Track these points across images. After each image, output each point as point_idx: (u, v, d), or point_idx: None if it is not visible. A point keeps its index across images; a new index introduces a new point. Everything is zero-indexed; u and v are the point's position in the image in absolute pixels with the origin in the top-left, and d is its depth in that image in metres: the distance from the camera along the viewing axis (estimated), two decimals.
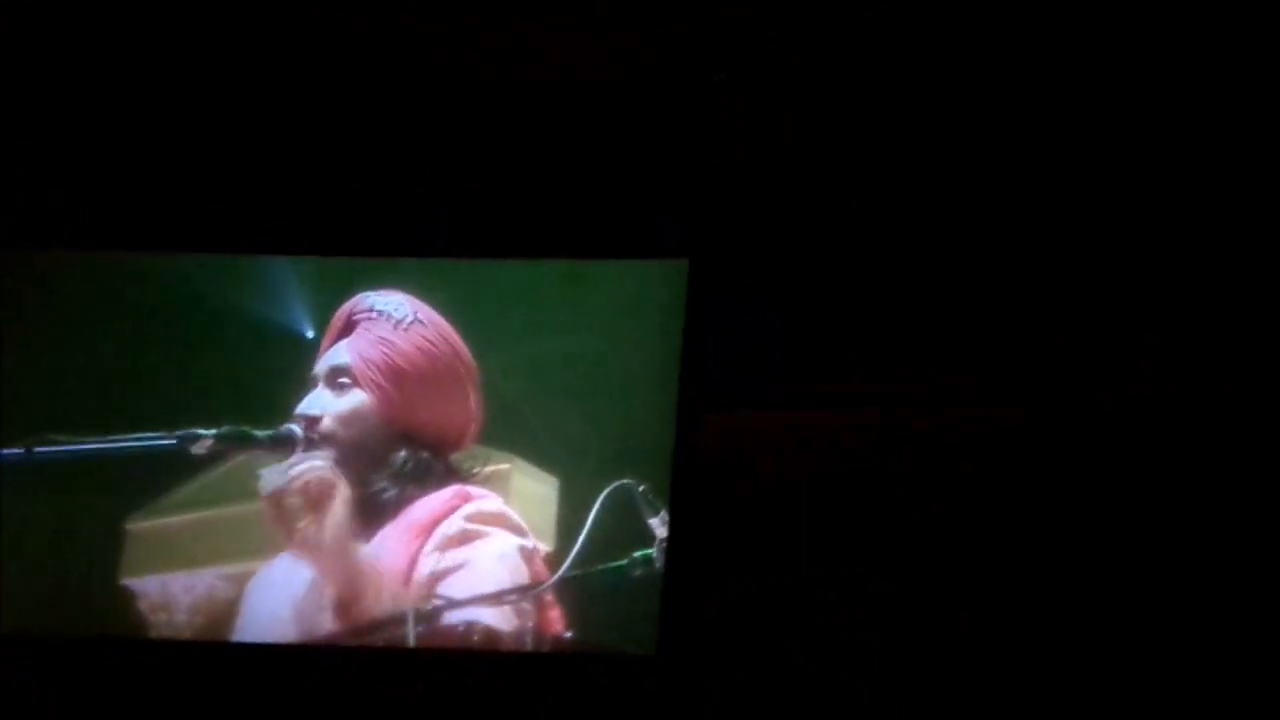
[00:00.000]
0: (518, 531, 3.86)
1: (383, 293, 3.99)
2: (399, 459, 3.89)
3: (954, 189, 4.04)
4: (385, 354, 3.93)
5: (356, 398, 3.92)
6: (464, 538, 3.84)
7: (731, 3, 4.03)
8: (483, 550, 3.83)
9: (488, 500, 3.89)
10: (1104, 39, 4.01)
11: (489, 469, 3.93)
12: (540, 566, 3.84)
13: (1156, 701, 3.70)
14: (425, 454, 3.90)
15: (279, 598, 3.90)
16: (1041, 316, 3.98)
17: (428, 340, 3.94)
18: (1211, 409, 3.82)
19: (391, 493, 3.89)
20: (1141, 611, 3.76)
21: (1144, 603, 3.77)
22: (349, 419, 3.91)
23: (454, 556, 3.82)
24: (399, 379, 3.92)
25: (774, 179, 4.10)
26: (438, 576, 3.81)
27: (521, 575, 3.84)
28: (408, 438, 3.91)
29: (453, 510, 3.87)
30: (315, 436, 3.92)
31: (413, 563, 3.82)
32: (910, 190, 4.09)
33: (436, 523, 3.85)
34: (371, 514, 3.89)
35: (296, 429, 3.93)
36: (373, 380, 3.92)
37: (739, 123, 4.09)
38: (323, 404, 3.93)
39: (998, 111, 4.03)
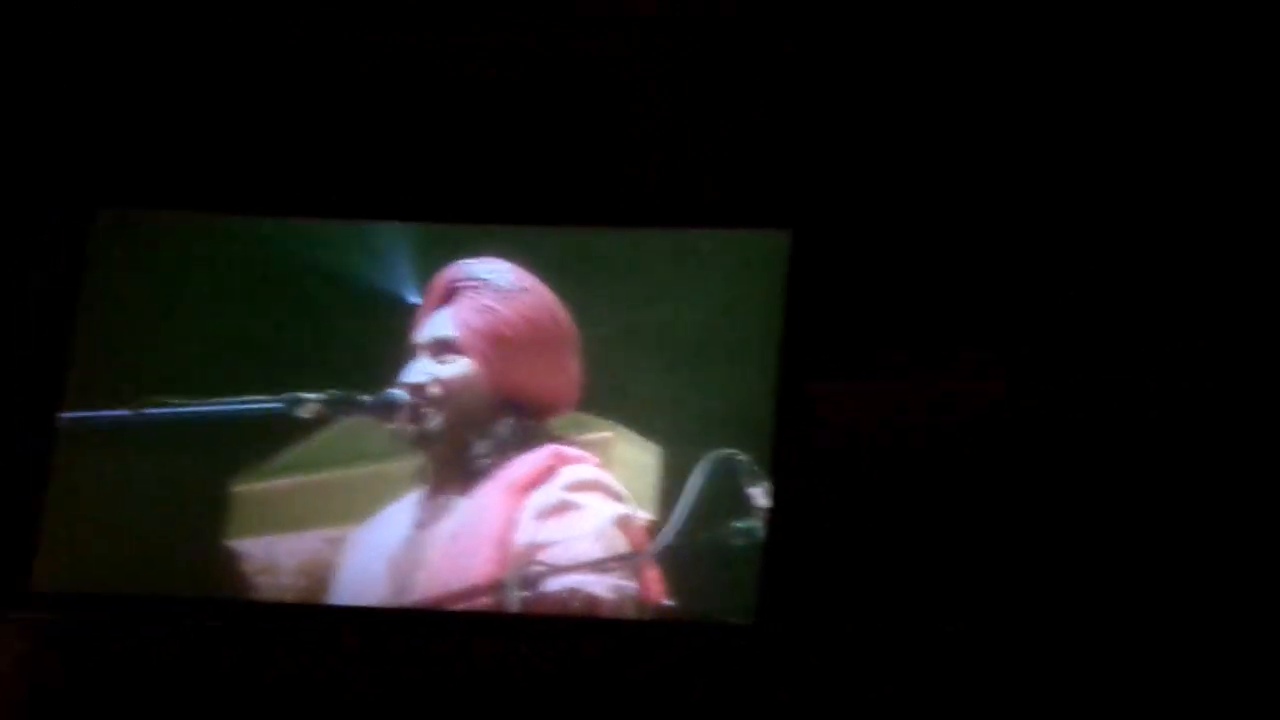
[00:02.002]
0: (616, 499, 3.86)
1: (485, 260, 4.00)
2: (504, 426, 3.91)
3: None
4: (490, 322, 3.94)
5: (462, 365, 3.94)
6: (562, 508, 3.85)
7: None
8: (581, 524, 3.84)
9: (584, 466, 3.89)
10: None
11: (592, 436, 3.93)
12: (639, 534, 3.84)
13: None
14: (530, 422, 3.91)
15: (376, 556, 3.93)
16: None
17: (531, 308, 3.95)
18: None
19: (488, 460, 3.90)
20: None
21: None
22: (455, 386, 3.93)
23: (552, 529, 3.83)
24: (504, 347, 3.93)
25: (876, 151, 4.07)
26: (536, 547, 3.82)
27: (620, 546, 3.83)
28: (512, 404, 3.92)
29: (549, 473, 3.88)
30: (420, 402, 3.94)
31: (510, 526, 3.84)
32: (1010, 164, 4.06)
33: (534, 484, 3.87)
34: (471, 478, 3.91)
35: (401, 394, 3.95)
36: (478, 348, 3.93)
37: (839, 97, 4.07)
38: (428, 371, 3.95)
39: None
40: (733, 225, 4.06)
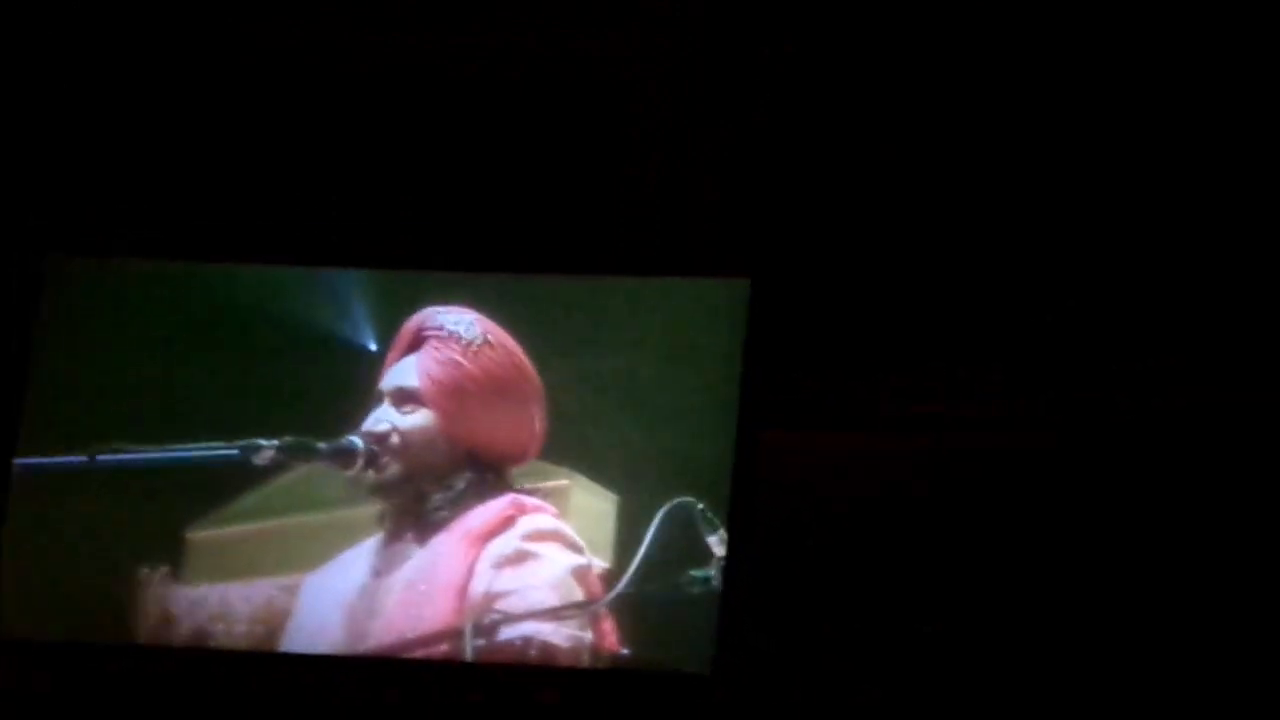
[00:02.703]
0: (573, 549, 3.86)
1: (453, 310, 4.00)
2: (462, 480, 3.90)
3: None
4: (453, 376, 3.94)
5: (424, 417, 3.93)
6: (519, 557, 3.84)
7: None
8: (538, 574, 3.83)
9: (542, 516, 3.88)
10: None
11: (549, 484, 3.93)
12: (596, 583, 3.83)
13: None
14: (489, 475, 3.91)
15: (331, 603, 3.91)
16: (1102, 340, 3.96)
17: (496, 364, 3.95)
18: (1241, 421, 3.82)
19: (444, 513, 3.90)
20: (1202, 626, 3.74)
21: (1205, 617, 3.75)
22: (415, 438, 3.93)
23: (509, 578, 3.82)
24: (467, 402, 3.93)
25: (838, 200, 4.08)
26: (493, 596, 3.81)
27: (577, 596, 3.83)
28: (471, 457, 3.92)
29: (508, 522, 3.87)
30: (378, 450, 3.93)
31: (468, 574, 3.83)
32: (972, 212, 4.07)
33: (492, 534, 3.86)
34: (427, 529, 3.90)
35: (358, 440, 3.95)
36: (439, 402, 3.93)
37: (805, 139, 4.09)
38: (390, 420, 3.94)
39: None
40: (692, 273, 4.06)
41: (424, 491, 3.91)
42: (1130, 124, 3.99)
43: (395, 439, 3.93)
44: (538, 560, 3.84)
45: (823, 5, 4.07)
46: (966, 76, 4.06)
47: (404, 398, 3.95)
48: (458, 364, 3.95)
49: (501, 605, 3.81)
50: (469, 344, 3.96)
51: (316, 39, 4.17)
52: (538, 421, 3.94)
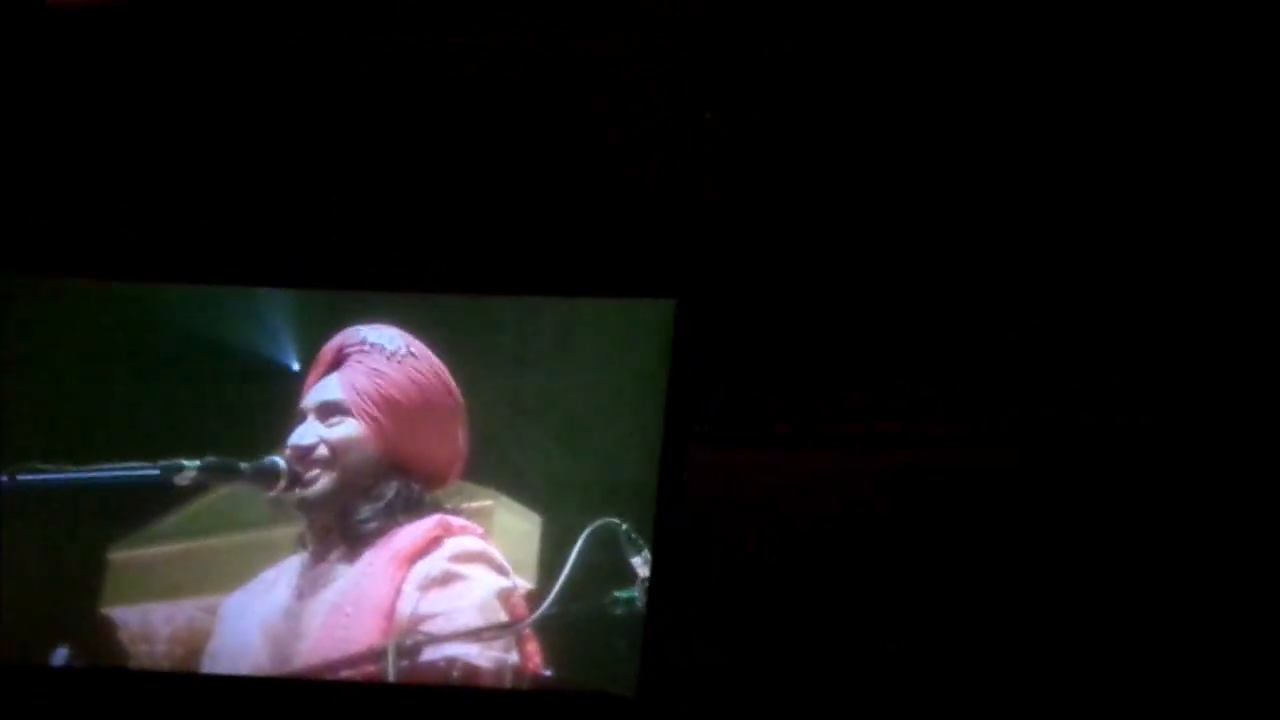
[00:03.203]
0: (499, 571, 3.85)
1: (374, 326, 3.99)
2: (389, 490, 3.89)
3: (951, 222, 4.05)
4: (379, 385, 3.93)
5: (350, 428, 3.92)
6: (445, 579, 3.83)
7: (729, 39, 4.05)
8: (465, 596, 3.82)
9: (469, 538, 3.88)
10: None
11: (473, 505, 3.92)
12: (521, 605, 3.83)
13: None
14: (416, 487, 3.90)
15: (253, 624, 3.90)
16: (1038, 354, 3.99)
17: (420, 373, 3.95)
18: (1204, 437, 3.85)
19: (377, 523, 3.88)
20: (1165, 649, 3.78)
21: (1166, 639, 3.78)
22: (343, 448, 3.91)
23: (435, 599, 3.81)
24: (393, 410, 3.92)
25: (761, 219, 4.10)
26: (419, 618, 3.80)
27: (502, 618, 3.82)
28: (398, 469, 3.91)
29: (434, 543, 3.86)
30: (302, 468, 3.91)
31: (395, 594, 3.82)
32: (903, 228, 4.09)
33: (419, 554, 3.85)
34: (354, 543, 3.89)
35: (280, 461, 3.93)
36: (367, 411, 3.92)
37: (727, 162, 4.09)
38: (316, 433, 3.93)
39: (999, 119, 4.05)
40: (617, 294, 4.06)
41: (351, 505, 3.89)
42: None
43: (323, 450, 3.92)
44: (464, 582, 3.83)
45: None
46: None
47: (329, 411, 3.94)
48: (381, 373, 3.94)
49: (427, 627, 3.80)
50: (392, 354, 3.96)
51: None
52: (461, 438, 3.94)
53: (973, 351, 3.99)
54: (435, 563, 3.84)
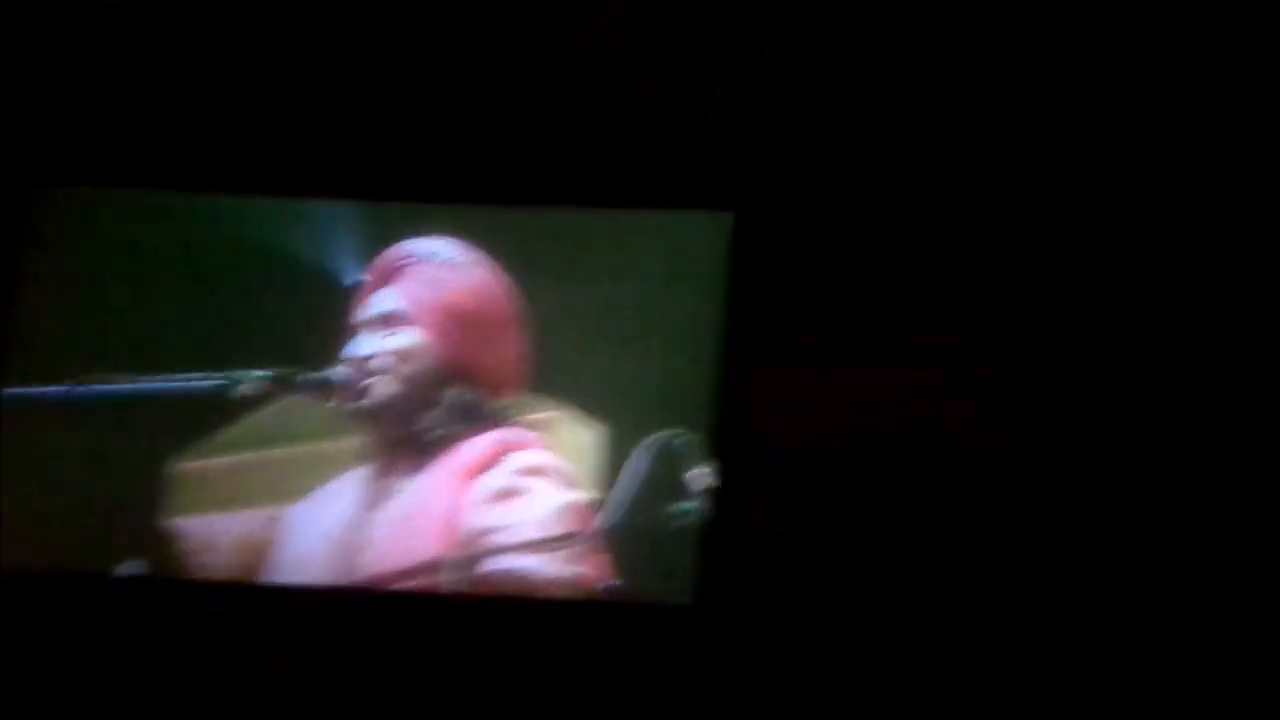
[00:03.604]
0: (564, 485, 3.87)
1: (430, 239, 4.00)
2: (449, 397, 3.90)
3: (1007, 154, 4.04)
4: (436, 294, 3.94)
5: (409, 336, 3.93)
6: (509, 493, 3.85)
7: None
8: (527, 509, 3.84)
9: (533, 452, 3.89)
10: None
11: (534, 416, 3.93)
12: (583, 518, 3.84)
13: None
14: (476, 395, 3.91)
15: (317, 536, 3.92)
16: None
17: (477, 282, 3.96)
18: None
19: (440, 432, 3.90)
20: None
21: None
22: (403, 356, 3.92)
23: (498, 513, 3.83)
24: (450, 318, 3.93)
25: (821, 133, 4.08)
26: (482, 531, 3.82)
27: (565, 530, 3.84)
28: (458, 378, 3.91)
29: (498, 457, 3.87)
30: (360, 378, 3.92)
31: (458, 508, 3.83)
32: (956, 149, 4.08)
33: (483, 468, 3.86)
34: (417, 454, 3.90)
35: (340, 371, 3.94)
36: (424, 320, 3.93)
37: (789, 81, 4.08)
38: (374, 344, 3.94)
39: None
40: (676, 206, 4.05)
41: (414, 414, 3.90)
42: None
43: (380, 360, 3.93)
44: (527, 496, 3.84)
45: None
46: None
47: (386, 321, 3.95)
48: (438, 282, 3.95)
49: (490, 540, 3.82)
50: (448, 264, 3.96)
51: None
52: (519, 347, 3.94)
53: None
54: (498, 476, 3.86)
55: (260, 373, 3.97)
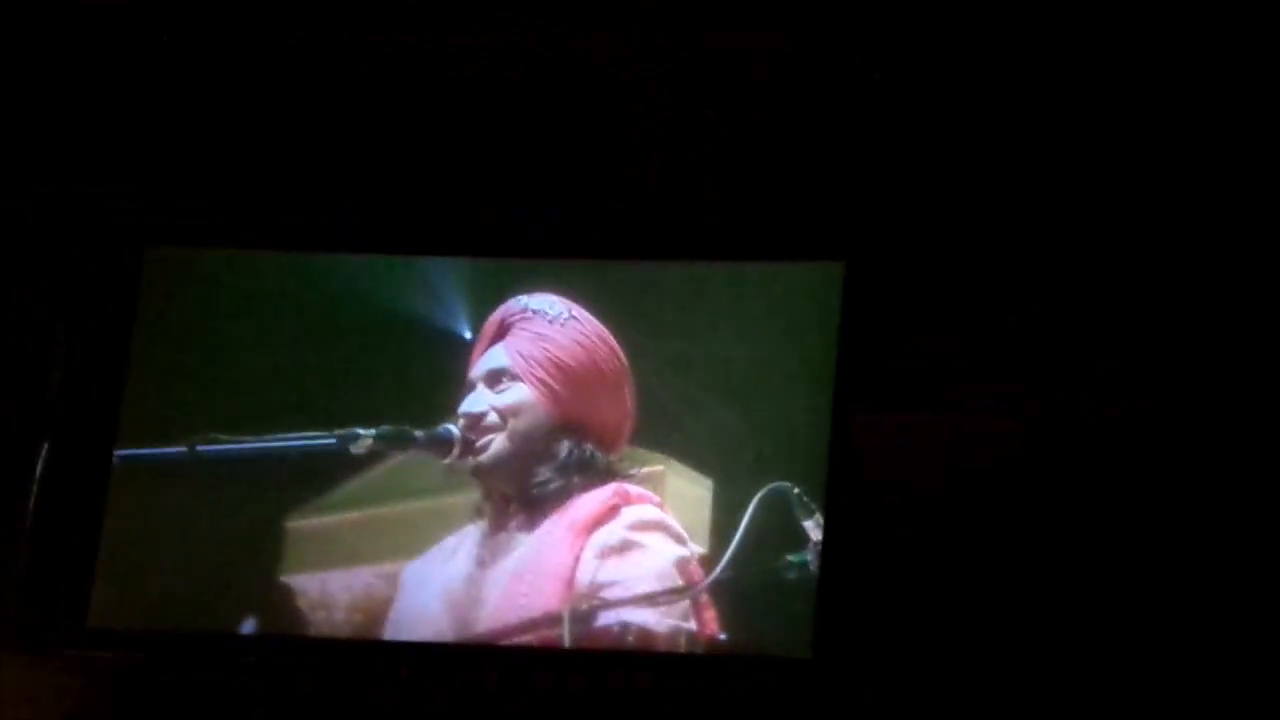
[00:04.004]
0: (677, 540, 3.87)
1: (535, 295, 4.02)
2: (563, 450, 3.92)
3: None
4: (545, 349, 3.96)
5: (519, 393, 3.95)
6: (624, 547, 3.86)
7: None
8: (642, 564, 3.85)
9: (647, 507, 3.90)
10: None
11: (644, 470, 3.94)
12: (697, 572, 3.84)
13: None
14: (588, 447, 3.92)
15: (434, 592, 3.93)
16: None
17: (585, 335, 3.98)
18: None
19: (556, 484, 3.91)
20: None
21: None
22: (514, 412, 3.94)
23: (613, 568, 3.84)
24: (560, 372, 3.95)
25: (930, 181, 4.07)
26: (597, 585, 3.83)
27: (679, 584, 3.84)
28: (570, 431, 3.93)
29: (613, 512, 3.88)
30: (475, 435, 3.95)
31: (574, 563, 3.84)
32: (1066, 193, 4.06)
33: (598, 523, 3.87)
34: (532, 508, 3.92)
35: (454, 428, 3.97)
36: (534, 375, 3.95)
37: (897, 124, 4.07)
38: (486, 401, 3.97)
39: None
40: (786, 258, 4.06)
41: (526, 469, 3.92)
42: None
43: (493, 416, 3.95)
44: (642, 550, 3.85)
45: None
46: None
47: (497, 378, 3.98)
48: (546, 337, 3.97)
49: (605, 595, 3.82)
50: (554, 319, 3.98)
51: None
52: (628, 399, 3.96)
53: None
54: (614, 531, 3.86)
55: (376, 430, 3.99)
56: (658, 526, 3.87)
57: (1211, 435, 3.87)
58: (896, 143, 4.08)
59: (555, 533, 3.88)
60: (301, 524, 4.03)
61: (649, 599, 3.83)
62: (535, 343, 3.97)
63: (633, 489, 3.91)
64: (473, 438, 3.95)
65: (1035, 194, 4.05)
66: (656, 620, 3.82)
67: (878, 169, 4.08)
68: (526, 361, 3.96)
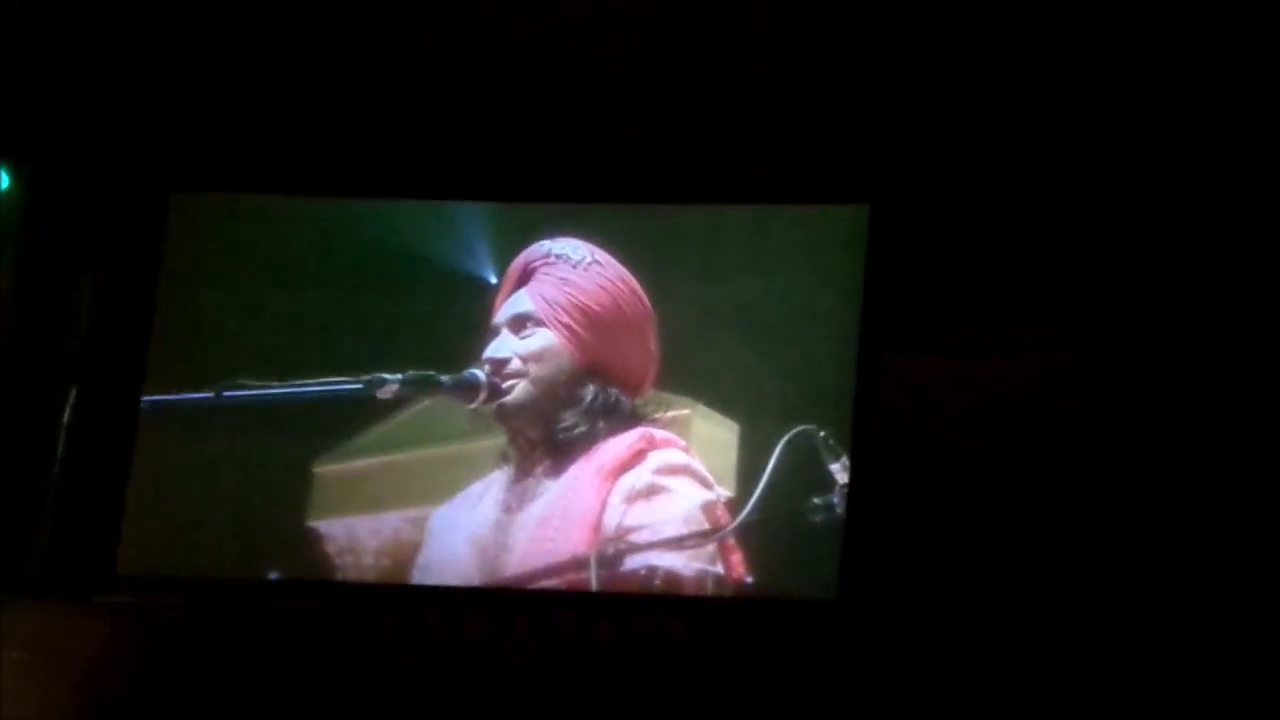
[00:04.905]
0: (703, 483, 3.88)
1: (559, 239, 4.02)
2: (588, 394, 3.92)
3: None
4: (569, 293, 3.96)
5: (544, 338, 3.95)
6: (650, 491, 3.86)
7: None
8: (669, 508, 3.85)
9: (673, 451, 3.90)
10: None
11: (670, 414, 3.94)
12: (724, 516, 3.85)
13: None
14: (614, 391, 3.92)
15: (461, 538, 3.95)
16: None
17: (608, 279, 3.98)
18: None
19: (582, 429, 3.92)
20: None
21: None
22: (538, 357, 3.95)
23: (640, 512, 3.85)
24: (584, 316, 3.95)
25: (955, 126, 4.05)
26: (624, 530, 3.84)
27: (704, 529, 3.85)
28: (595, 375, 3.93)
29: (639, 456, 3.89)
30: (500, 380, 3.95)
31: (601, 507, 3.85)
32: (1086, 140, 4.05)
33: (624, 468, 3.88)
34: (558, 453, 3.93)
35: (480, 373, 3.97)
36: (558, 319, 3.95)
37: (921, 68, 4.05)
38: (510, 347, 3.97)
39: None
40: (812, 200, 4.05)
41: (551, 414, 3.93)
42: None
43: (517, 363, 3.96)
44: (668, 494, 3.86)
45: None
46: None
47: (521, 323, 3.98)
48: (569, 282, 3.97)
49: (632, 539, 3.83)
50: (578, 263, 3.98)
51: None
52: (653, 343, 3.96)
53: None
54: (640, 475, 3.87)
55: (402, 375, 3.99)
56: (684, 470, 3.88)
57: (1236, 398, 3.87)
58: (921, 86, 4.05)
59: (582, 477, 3.89)
60: (329, 469, 4.04)
61: (676, 543, 3.84)
62: (559, 287, 3.97)
63: (658, 433, 3.91)
64: (498, 381, 3.95)
65: (1058, 139, 4.03)
66: (683, 564, 3.83)
67: (903, 112, 4.06)
68: (550, 306, 3.96)
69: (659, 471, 3.87)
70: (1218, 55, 3.95)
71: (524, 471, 3.94)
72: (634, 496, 3.85)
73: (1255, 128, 3.96)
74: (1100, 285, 3.99)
